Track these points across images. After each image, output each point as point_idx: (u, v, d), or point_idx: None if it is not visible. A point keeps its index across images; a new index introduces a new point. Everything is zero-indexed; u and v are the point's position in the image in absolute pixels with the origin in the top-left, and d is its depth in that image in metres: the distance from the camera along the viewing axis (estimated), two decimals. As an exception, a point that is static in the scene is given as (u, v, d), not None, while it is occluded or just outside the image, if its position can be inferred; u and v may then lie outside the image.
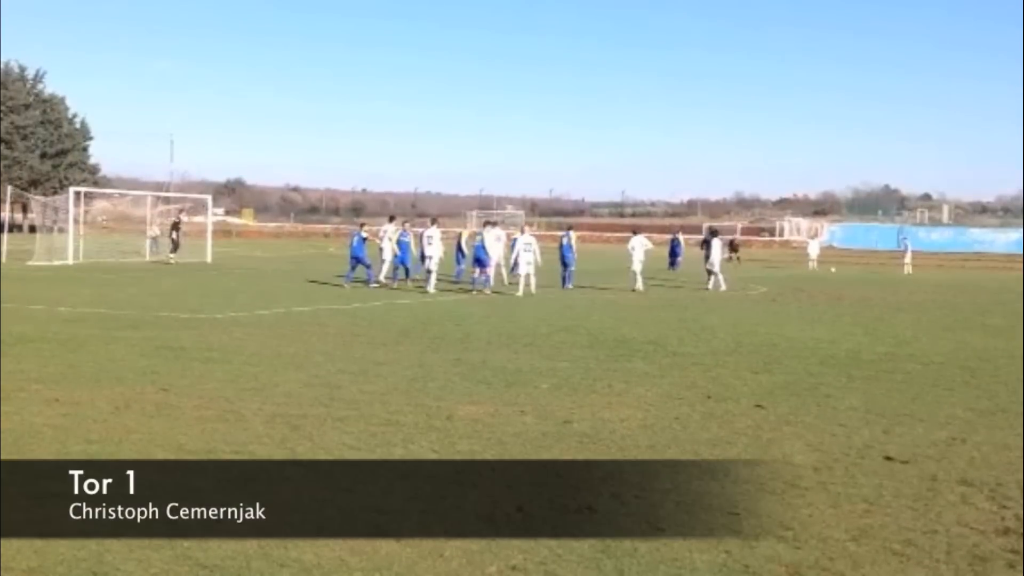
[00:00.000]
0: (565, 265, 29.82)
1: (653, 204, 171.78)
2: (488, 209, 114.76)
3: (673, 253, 45.82)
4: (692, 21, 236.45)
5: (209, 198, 51.23)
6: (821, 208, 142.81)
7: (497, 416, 9.36)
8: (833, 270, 44.67)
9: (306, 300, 22.64)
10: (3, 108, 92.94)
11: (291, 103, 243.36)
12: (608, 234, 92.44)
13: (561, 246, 30.04)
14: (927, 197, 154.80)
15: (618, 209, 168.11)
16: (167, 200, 50.18)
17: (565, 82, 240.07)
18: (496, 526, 5.99)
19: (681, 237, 47.96)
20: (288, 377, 11.39)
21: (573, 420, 9.24)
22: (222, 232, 57.60)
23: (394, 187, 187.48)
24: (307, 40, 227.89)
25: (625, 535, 5.88)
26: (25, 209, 70.13)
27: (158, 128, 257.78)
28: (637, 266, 29.41)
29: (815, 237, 58.57)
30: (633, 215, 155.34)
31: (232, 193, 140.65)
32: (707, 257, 32.61)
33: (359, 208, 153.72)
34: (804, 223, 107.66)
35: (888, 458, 8.00)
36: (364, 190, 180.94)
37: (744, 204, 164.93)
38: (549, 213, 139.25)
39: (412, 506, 6.34)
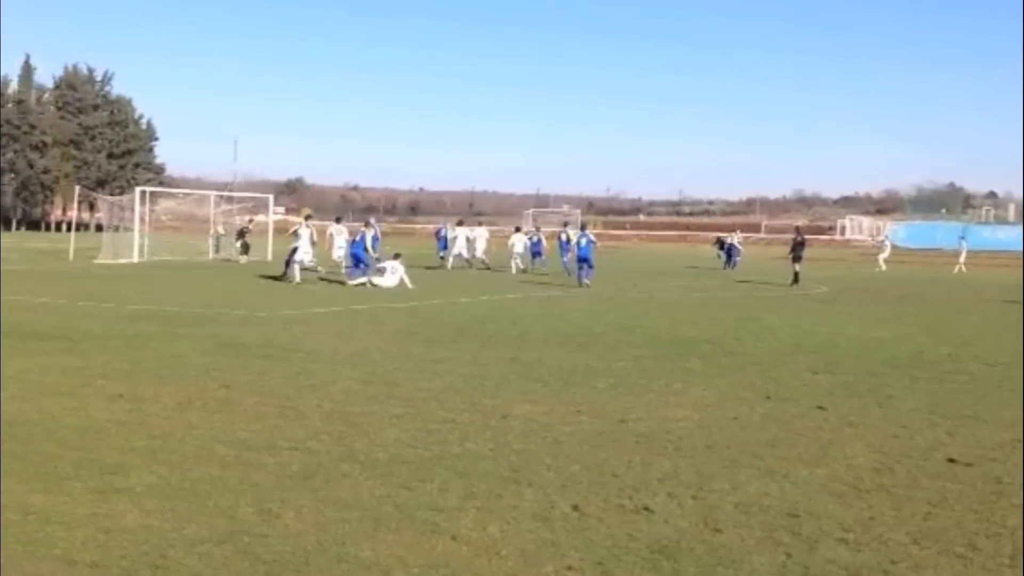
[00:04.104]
0: (584, 261, 30.53)
1: (711, 203, 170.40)
2: (544, 208, 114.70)
3: (728, 253, 45.71)
4: (754, 22, 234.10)
5: (271, 197, 51.90)
6: (883, 206, 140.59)
7: (553, 415, 9.35)
8: (883, 268, 43.92)
9: (363, 298, 22.81)
10: (72, 109, 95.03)
11: (351, 104, 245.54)
12: (665, 233, 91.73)
13: (579, 245, 29.88)
14: (993, 195, 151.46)
15: (675, 208, 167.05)
16: (230, 200, 50.86)
17: (622, 80, 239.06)
18: (552, 525, 5.98)
19: (734, 237, 47.68)
20: (346, 374, 11.49)
21: (629, 420, 9.19)
22: (282, 230, 58.26)
23: (451, 186, 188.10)
24: (367, 43, 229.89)
25: (683, 536, 5.84)
26: (92, 208, 71.53)
27: (223, 129, 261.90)
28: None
29: (882, 237, 57.60)
30: (690, 214, 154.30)
31: (293, 192, 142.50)
32: (797, 258, 32.67)
33: (416, 207, 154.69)
34: (866, 222, 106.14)
35: (951, 460, 7.84)
36: (421, 189, 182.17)
37: (804, 202, 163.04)
38: (606, 212, 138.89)
39: (468, 504, 6.36)
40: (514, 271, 37.06)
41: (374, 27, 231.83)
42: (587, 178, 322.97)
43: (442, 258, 39.15)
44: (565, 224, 39.83)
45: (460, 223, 41.59)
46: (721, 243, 54.35)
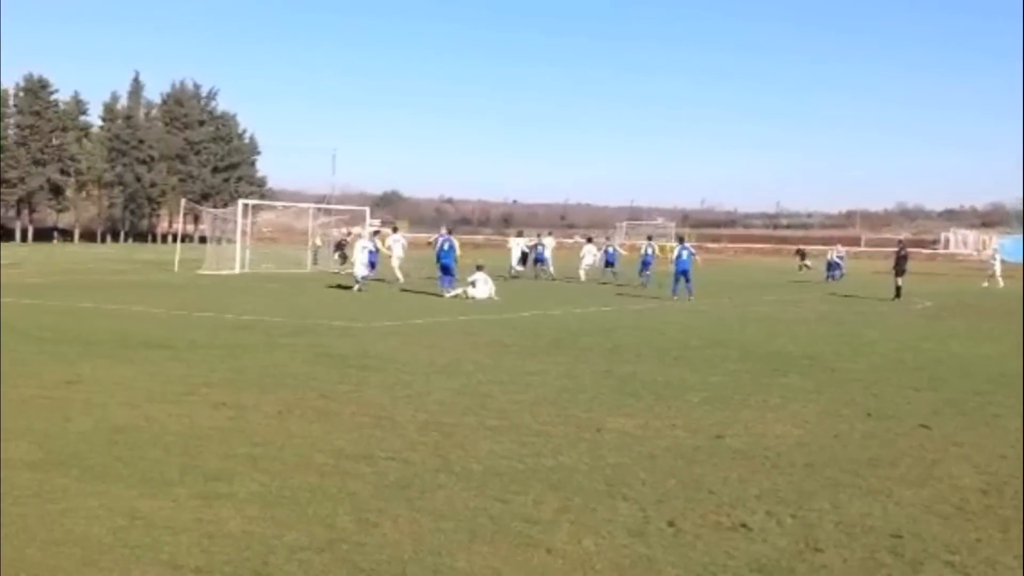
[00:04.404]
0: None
1: (809, 215, 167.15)
2: (638, 220, 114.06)
3: (829, 266, 44.98)
4: (855, 35, 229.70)
5: (367, 210, 52.62)
6: (989, 219, 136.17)
7: (647, 429, 9.28)
8: (1000, 284, 42.50)
9: (457, 310, 22.98)
10: (179, 124, 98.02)
11: (446, 117, 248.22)
12: (761, 245, 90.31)
13: (679, 258, 29.60)
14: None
15: (772, 220, 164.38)
16: (328, 212, 51.80)
17: (718, 92, 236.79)
18: (648, 541, 5.93)
19: (836, 251, 46.85)
20: (440, 385, 11.58)
21: (726, 435, 9.07)
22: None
23: (544, 198, 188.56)
24: (462, 57, 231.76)
25: (782, 555, 5.73)
26: (197, 220, 73.61)
27: (322, 143, 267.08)
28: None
29: (991, 251, 55.77)
30: (788, 226, 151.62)
31: (389, 205, 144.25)
32: (900, 272, 32.01)
33: (509, 219, 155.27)
34: (971, 235, 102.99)
35: (1064, 483, 7.55)
36: (515, 201, 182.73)
37: (907, 215, 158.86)
38: (700, 224, 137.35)
39: (563, 517, 6.35)
40: (583, 279, 37.41)
41: (469, 42, 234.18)
42: (682, 190, 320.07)
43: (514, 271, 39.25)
44: (649, 238, 39.86)
45: (519, 234, 41.74)
46: (802, 254, 53.56)
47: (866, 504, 6.87)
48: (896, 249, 35.07)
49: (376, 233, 36.94)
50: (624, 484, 7.20)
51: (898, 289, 31.67)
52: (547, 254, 40.54)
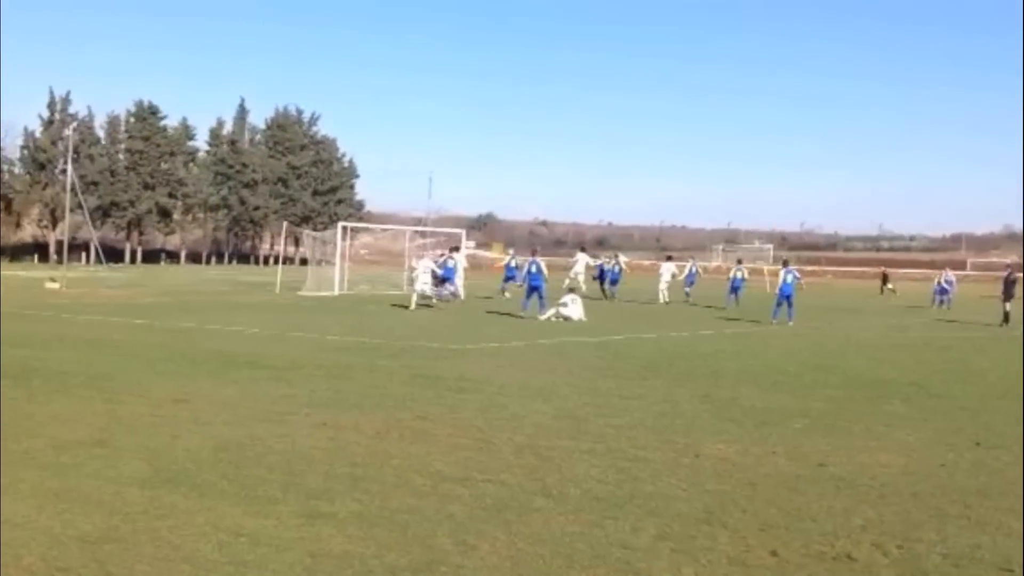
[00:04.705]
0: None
1: (912, 238, 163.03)
2: (735, 243, 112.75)
3: (943, 290, 43.70)
4: (960, 61, 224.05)
5: (463, 232, 53.08)
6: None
7: (747, 455, 9.14)
8: None
9: (550, 332, 22.98)
10: (281, 149, 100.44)
11: (540, 139, 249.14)
12: (862, 269, 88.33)
13: (784, 282, 29.08)
14: None
15: (874, 243, 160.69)
16: (423, 235, 52.41)
17: (818, 116, 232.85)
18: (750, 570, 5.84)
19: (944, 276, 45.52)
20: (536, 408, 11.60)
21: (828, 463, 8.88)
22: (473, 265, 59.63)
23: (639, 220, 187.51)
24: (557, 84, 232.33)
25: (888, 588, 5.58)
26: (298, 242, 75.09)
27: (418, 166, 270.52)
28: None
29: None
30: (890, 249, 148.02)
31: (484, 227, 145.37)
32: (1009, 297, 31.14)
33: (603, 241, 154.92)
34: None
35: None
36: (609, 223, 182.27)
37: (1015, 238, 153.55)
38: (800, 247, 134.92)
39: (662, 544, 6.29)
40: (661, 301, 37.19)
41: (563, 66, 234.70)
42: (780, 213, 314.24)
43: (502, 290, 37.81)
44: (739, 261, 39.79)
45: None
46: (885, 278, 52.28)
47: (974, 535, 6.66)
48: (1005, 273, 34.02)
49: (445, 254, 37.14)
50: (724, 512, 7.10)
51: (1006, 315, 30.68)
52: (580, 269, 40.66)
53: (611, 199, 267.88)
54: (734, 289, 35.98)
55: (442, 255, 35.57)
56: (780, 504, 7.35)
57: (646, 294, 39.56)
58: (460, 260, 36.68)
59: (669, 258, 44.01)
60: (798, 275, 30.02)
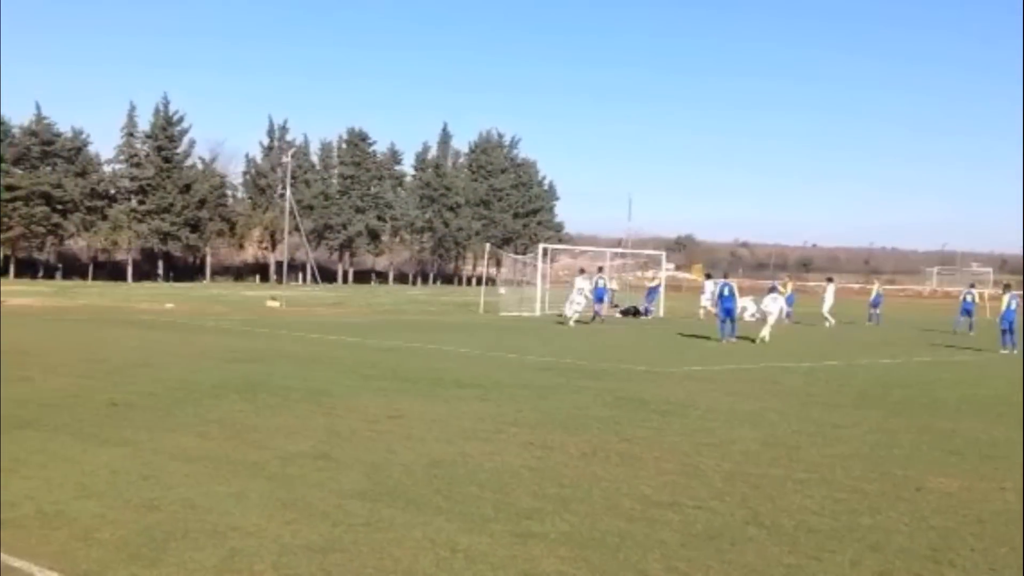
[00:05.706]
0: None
1: None
2: (950, 265, 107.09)
3: None
4: None
5: (663, 254, 52.76)
6: None
7: (972, 491, 8.66)
8: None
9: (754, 356, 22.47)
10: (483, 172, 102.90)
11: (740, 161, 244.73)
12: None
13: (1008, 308, 27.46)
14: None
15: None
16: (623, 256, 52.41)
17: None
18: (984, 614, 5.53)
19: None
20: (744, 434, 11.37)
21: (1065, 502, 8.29)
22: (673, 287, 59.08)
23: (845, 242, 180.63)
24: (755, 109, 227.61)
25: None
26: (499, 263, 76.56)
27: (617, 189, 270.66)
28: None
29: None
30: None
31: (683, 249, 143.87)
32: None
33: (808, 263, 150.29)
34: None
35: None
36: (814, 245, 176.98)
37: None
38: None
39: (886, 581, 6.03)
40: (832, 322, 36.52)
41: (764, 90, 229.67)
42: (1001, 234, 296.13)
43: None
44: (972, 285, 38.23)
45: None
46: None
47: None
48: None
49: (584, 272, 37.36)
50: (950, 549, 6.75)
51: None
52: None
53: (815, 220, 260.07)
54: (965, 311, 34.48)
55: (591, 276, 36.62)
56: (1011, 543, 6.92)
57: (853, 317, 38.24)
58: (607, 280, 38.28)
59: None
60: (1021, 300, 28.24)
